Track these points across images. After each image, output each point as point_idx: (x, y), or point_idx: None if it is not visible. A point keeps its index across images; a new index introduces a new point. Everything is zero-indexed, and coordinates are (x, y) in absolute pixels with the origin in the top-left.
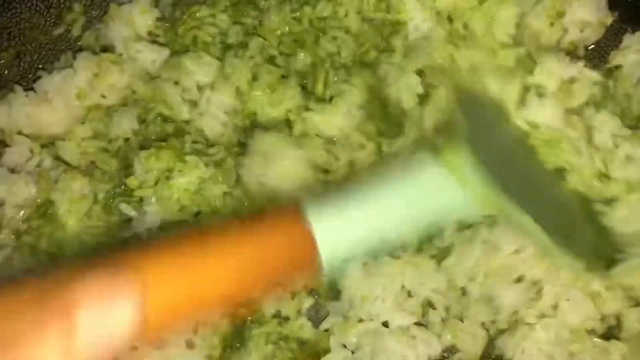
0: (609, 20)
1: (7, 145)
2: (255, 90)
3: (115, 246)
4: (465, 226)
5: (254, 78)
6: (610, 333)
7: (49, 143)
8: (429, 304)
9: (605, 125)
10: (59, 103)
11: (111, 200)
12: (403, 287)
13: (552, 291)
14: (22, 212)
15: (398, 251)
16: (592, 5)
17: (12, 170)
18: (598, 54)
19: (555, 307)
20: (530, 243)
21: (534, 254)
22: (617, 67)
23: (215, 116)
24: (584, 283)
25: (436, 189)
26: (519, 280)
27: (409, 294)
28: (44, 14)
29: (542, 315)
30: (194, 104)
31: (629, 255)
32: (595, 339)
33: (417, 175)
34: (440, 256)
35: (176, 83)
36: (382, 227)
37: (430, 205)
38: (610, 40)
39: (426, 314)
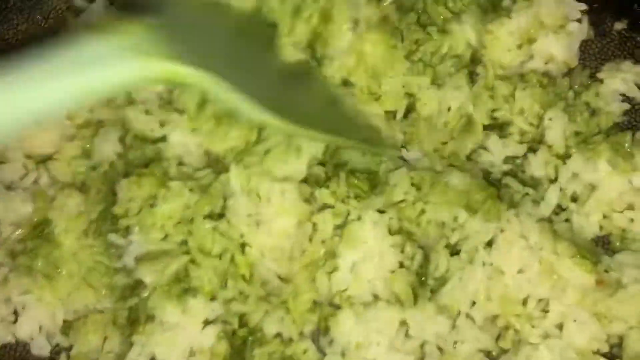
0: (575, 63)
1: (1, 162)
2: None
3: None
4: (456, 251)
5: None
6: (612, 353)
7: (43, 160)
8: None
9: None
10: (50, 124)
11: (102, 223)
12: (399, 330)
13: (558, 310)
14: (18, 231)
15: (393, 298)
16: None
17: (8, 187)
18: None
19: (560, 327)
20: (535, 260)
21: (539, 273)
22: (600, 80)
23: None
24: (591, 302)
25: (95, 60)
26: (524, 301)
27: (407, 335)
28: (42, 24)
29: (546, 336)
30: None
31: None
32: (600, 358)
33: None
34: (437, 286)
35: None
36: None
37: (91, 72)
38: (615, 47)
39: (425, 355)
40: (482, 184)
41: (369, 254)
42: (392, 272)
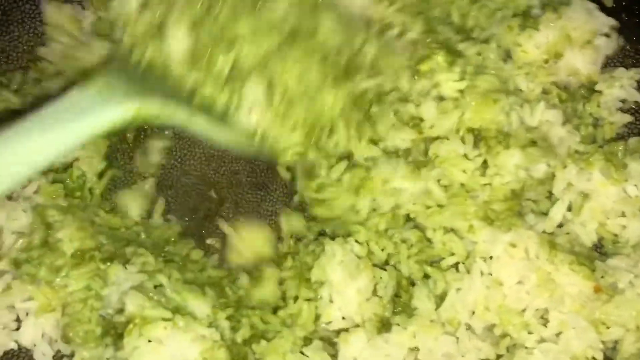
0: (597, 78)
1: None
2: None
3: None
4: (452, 265)
5: None
6: (606, 355)
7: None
8: None
9: None
10: None
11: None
12: (406, 357)
13: (557, 318)
14: (20, 240)
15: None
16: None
17: (9, 197)
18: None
19: (558, 335)
20: (533, 271)
21: (537, 284)
22: (600, 91)
23: None
24: (590, 310)
25: (78, 110)
26: (523, 311)
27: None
28: (42, 37)
29: (541, 340)
30: None
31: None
32: None
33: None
34: (438, 300)
35: None
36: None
37: (76, 122)
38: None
39: None
40: (506, 194)
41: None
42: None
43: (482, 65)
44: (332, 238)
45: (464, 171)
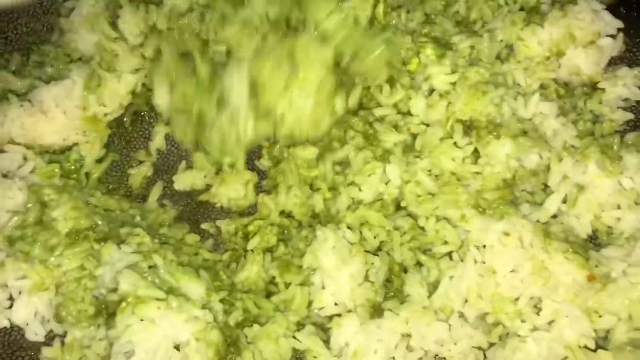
0: (600, 79)
1: (1, 151)
2: None
3: None
4: (446, 253)
5: None
6: (597, 344)
7: (43, 152)
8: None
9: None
10: (57, 114)
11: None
12: (399, 343)
13: (551, 307)
14: (15, 218)
15: (398, 307)
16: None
17: (5, 176)
18: None
19: (551, 322)
20: (527, 259)
21: (531, 272)
22: (602, 89)
23: None
24: (583, 299)
25: None
26: (516, 299)
27: (409, 349)
28: (41, 19)
29: (534, 329)
30: None
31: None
32: (585, 350)
33: None
34: (430, 288)
35: None
36: None
37: None
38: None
39: None
40: (498, 183)
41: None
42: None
43: (476, 57)
44: (324, 225)
45: (453, 159)
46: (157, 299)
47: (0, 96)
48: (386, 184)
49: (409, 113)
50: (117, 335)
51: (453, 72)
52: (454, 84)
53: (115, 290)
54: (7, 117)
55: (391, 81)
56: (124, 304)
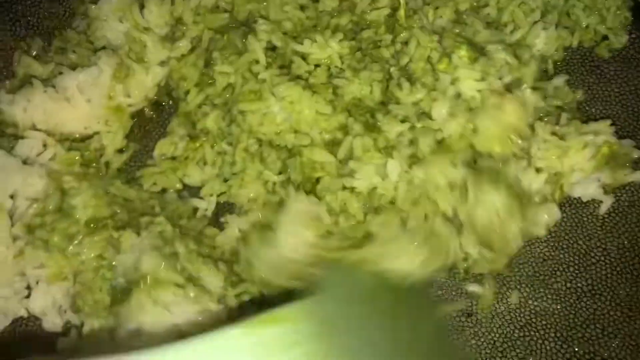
0: None
1: (21, 137)
2: None
3: None
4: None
5: None
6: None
7: (63, 139)
8: None
9: None
10: (81, 102)
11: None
12: None
13: None
14: (34, 205)
15: None
16: None
17: (25, 162)
18: None
19: None
20: None
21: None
22: None
23: None
24: None
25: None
26: None
27: None
28: (63, 3)
29: None
30: None
31: None
32: None
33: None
34: None
35: None
36: None
37: None
38: None
39: None
40: None
41: None
42: None
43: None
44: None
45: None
46: (176, 285)
47: (23, 80)
48: (383, 179)
49: (427, 115)
50: (127, 314)
51: (482, 79)
52: (480, 91)
53: (134, 272)
54: (31, 102)
55: (410, 78)
56: (142, 283)
